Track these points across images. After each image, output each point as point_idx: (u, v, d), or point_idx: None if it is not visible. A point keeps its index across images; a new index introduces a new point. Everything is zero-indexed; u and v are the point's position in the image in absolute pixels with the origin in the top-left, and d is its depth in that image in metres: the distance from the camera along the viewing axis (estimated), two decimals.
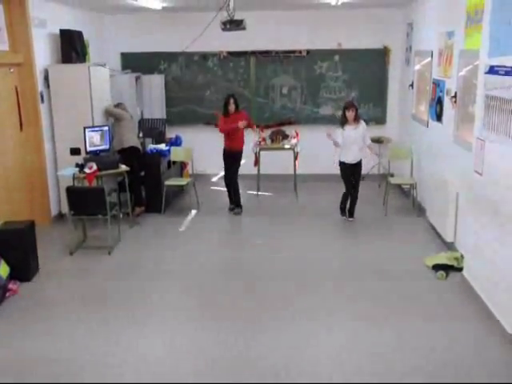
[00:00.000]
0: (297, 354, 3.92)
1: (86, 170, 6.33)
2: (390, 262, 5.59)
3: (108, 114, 7.33)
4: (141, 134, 8.03)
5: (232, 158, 7.28)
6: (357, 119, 6.66)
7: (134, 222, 6.93)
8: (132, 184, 6.97)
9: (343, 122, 6.65)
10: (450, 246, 5.80)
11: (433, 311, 4.53)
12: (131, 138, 7.21)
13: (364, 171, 7.13)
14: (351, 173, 6.77)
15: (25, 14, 6.38)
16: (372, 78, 8.99)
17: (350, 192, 6.83)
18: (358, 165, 6.80)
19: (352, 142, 6.61)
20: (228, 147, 7.26)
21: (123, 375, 3.69)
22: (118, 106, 7.42)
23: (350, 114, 6.58)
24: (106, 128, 6.95)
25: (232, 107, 7.08)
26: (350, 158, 6.69)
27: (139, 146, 7.37)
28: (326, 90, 9.09)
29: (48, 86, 6.94)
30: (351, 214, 6.93)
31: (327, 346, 4.02)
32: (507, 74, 4.03)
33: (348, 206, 6.92)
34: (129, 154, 7.06)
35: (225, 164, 7.37)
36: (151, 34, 8.97)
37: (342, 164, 6.78)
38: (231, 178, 7.39)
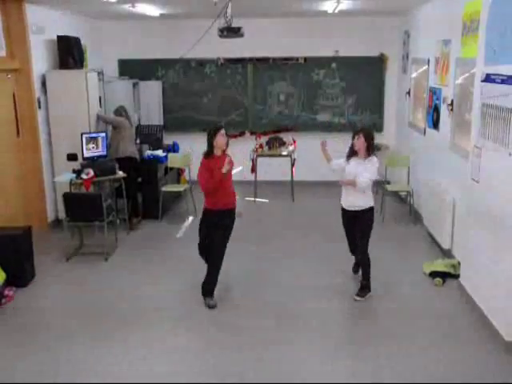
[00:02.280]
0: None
1: (83, 176, 6.32)
2: (387, 269, 5.58)
3: (103, 121, 7.28)
4: (138, 141, 8.01)
5: (223, 221, 4.74)
6: (368, 152, 4.75)
7: (131, 230, 6.92)
8: (128, 193, 6.91)
9: (351, 153, 4.87)
10: (446, 253, 5.81)
11: (429, 318, 4.53)
12: (127, 148, 7.05)
13: None
14: (350, 223, 4.99)
15: (22, 20, 6.40)
16: (369, 86, 9.02)
17: (351, 249, 5.22)
18: (363, 214, 4.84)
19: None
20: (216, 205, 4.69)
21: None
22: (117, 110, 7.24)
23: (358, 143, 4.74)
24: (104, 134, 6.94)
25: (222, 142, 4.66)
26: (348, 203, 4.91)
27: (136, 156, 7.23)
28: (323, 97, 9.13)
29: (45, 92, 6.94)
30: (361, 289, 4.89)
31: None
32: (503, 82, 4.06)
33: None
34: (125, 164, 6.99)
35: (203, 230, 4.84)
36: (149, 40, 9.00)
37: (341, 209, 5.07)
38: (217, 251, 4.76)
